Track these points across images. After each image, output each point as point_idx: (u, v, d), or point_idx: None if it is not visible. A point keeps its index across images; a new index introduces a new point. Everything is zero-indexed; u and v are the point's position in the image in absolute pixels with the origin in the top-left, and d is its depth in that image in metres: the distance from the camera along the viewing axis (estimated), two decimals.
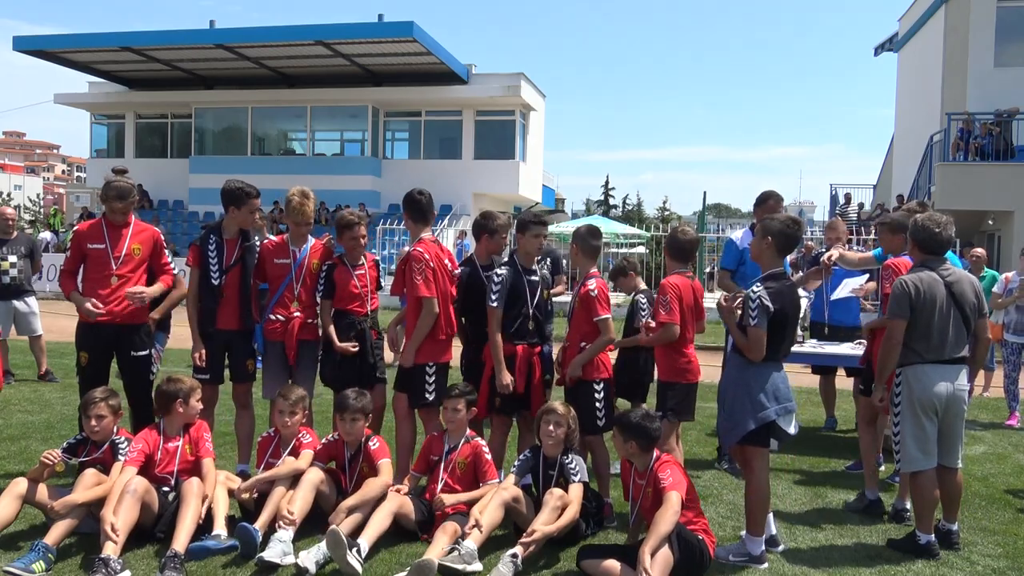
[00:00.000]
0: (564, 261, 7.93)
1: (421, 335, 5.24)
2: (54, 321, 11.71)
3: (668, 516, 4.06)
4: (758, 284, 4.46)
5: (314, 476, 4.72)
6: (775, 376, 4.49)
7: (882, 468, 6.35)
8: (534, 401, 5.27)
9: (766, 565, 4.45)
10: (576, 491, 4.65)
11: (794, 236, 4.55)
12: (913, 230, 4.82)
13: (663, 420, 4.93)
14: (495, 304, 5.21)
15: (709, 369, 5.22)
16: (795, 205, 59.37)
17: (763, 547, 4.50)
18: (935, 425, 4.68)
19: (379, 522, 4.46)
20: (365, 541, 4.30)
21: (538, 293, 5.36)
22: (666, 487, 4.19)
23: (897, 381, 4.77)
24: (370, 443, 4.95)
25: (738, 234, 6.64)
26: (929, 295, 4.61)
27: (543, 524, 4.36)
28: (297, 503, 4.52)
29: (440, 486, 4.85)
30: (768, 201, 6.30)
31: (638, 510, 4.46)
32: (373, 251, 5.91)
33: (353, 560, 4.11)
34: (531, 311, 5.30)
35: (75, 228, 5.51)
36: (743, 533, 4.60)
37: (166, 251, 5.56)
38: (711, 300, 7.08)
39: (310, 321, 5.54)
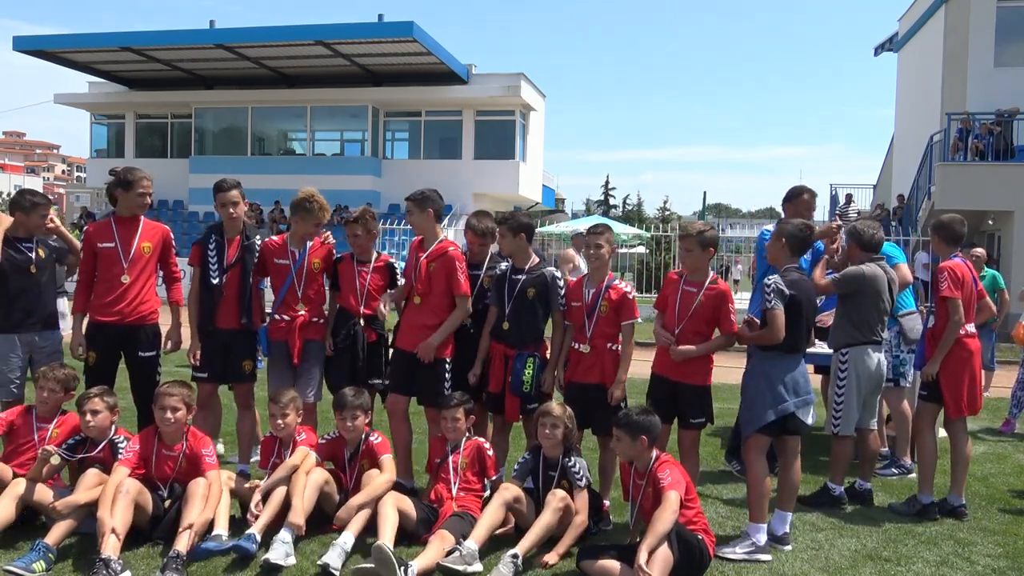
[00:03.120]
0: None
1: (451, 330, 5.28)
2: None
3: (667, 516, 4.07)
4: (772, 275, 4.73)
5: (319, 477, 4.72)
6: (795, 369, 4.67)
7: (887, 468, 6.35)
8: (506, 405, 5.24)
9: (769, 557, 4.50)
10: (583, 499, 4.68)
11: (806, 239, 4.96)
12: (852, 234, 5.67)
13: (702, 425, 5.01)
14: (487, 302, 5.41)
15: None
16: None
17: (766, 536, 4.56)
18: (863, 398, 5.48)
19: (392, 519, 4.43)
20: (389, 542, 4.23)
21: (516, 292, 5.20)
22: (665, 487, 4.20)
23: (844, 359, 5.44)
24: (371, 438, 4.96)
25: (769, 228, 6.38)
26: (878, 282, 5.41)
27: (543, 528, 4.41)
28: (302, 505, 4.51)
29: (455, 489, 4.87)
30: (802, 195, 6.09)
31: (638, 510, 4.46)
32: (382, 251, 5.85)
33: None
34: (505, 309, 5.23)
35: (85, 228, 5.52)
36: (746, 528, 4.65)
37: (174, 251, 5.58)
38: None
39: (315, 320, 5.54)
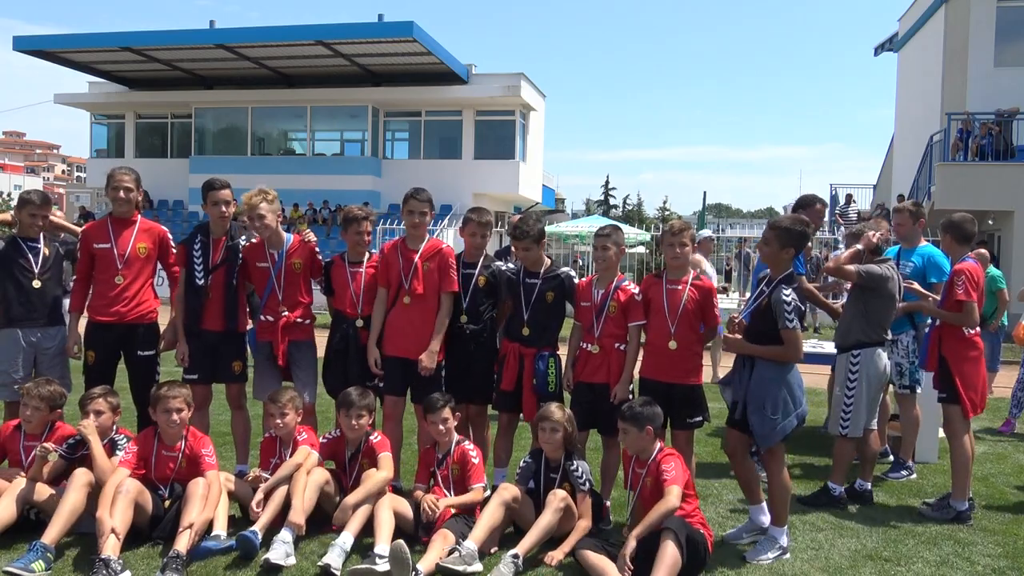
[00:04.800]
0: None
1: (443, 331, 5.26)
2: None
3: (662, 509, 4.16)
4: (786, 288, 4.50)
5: (319, 477, 4.72)
6: (798, 372, 4.67)
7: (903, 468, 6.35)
8: (524, 404, 5.25)
9: (789, 555, 4.56)
10: (587, 504, 4.68)
11: (807, 237, 4.79)
12: (856, 237, 5.64)
13: (701, 423, 5.02)
14: (488, 300, 5.42)
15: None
16: None
17: (787, 537, 4.62)
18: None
19: (388, 521, 4.43)
20: (385, 545, 4.23)
21: (535, 296, 5.23)
22: (667, 480, 4.27)
23: (855, 361, 5.41)
24: (371, 437, 4.95)
25: None
26: (894, 284, 5.44)
27: (544, 528, 4.43)
28: (302, 505, 4.51)
29: (453, 495, 4.85)
30: (815, 206, 6.22)
31: (637, 499, 4.49)
32: (373, 251, 5.82)
33: None
34: (524, 314, 5.25)
35: (83, 229, 5.53)
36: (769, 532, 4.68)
37: (172, 251, 5.58)
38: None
39: (299, 321, 5.47)
